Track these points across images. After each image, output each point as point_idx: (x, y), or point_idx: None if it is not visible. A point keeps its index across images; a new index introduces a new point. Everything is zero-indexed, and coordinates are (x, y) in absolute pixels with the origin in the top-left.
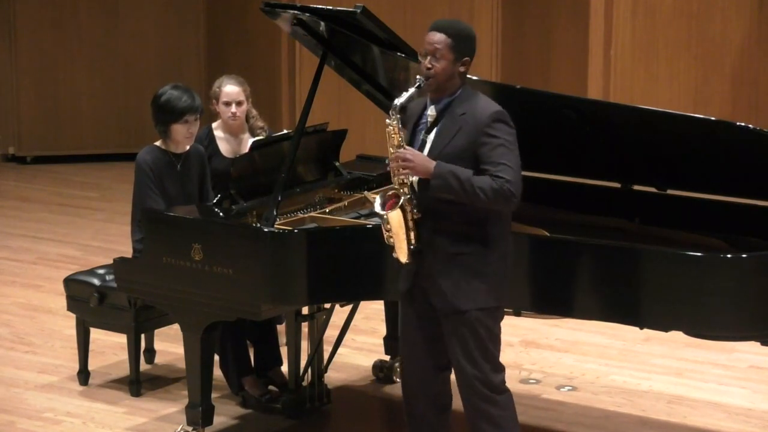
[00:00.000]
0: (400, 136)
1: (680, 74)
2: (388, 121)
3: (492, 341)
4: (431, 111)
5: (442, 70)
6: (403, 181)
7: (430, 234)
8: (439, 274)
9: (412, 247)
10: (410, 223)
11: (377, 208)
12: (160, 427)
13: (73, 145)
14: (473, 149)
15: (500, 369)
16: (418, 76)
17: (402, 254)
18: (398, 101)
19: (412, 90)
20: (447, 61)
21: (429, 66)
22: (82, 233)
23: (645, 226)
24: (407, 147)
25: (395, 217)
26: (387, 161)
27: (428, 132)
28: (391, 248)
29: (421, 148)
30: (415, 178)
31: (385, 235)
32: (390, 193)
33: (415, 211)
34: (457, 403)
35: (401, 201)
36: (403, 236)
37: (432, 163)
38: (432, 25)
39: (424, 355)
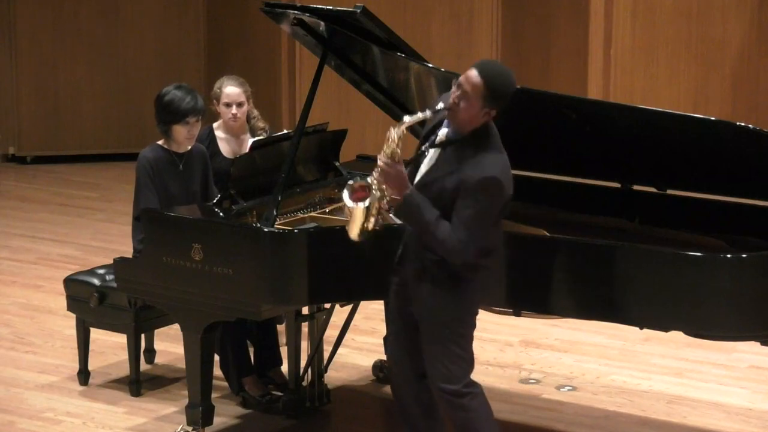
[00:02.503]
0: (397, 148)
1: (680, 74)
2: (393, 129)
3: (461, 348)
4: (443, 135)
5: (464, 112)
6: (381, 184)
7: (411, 238)
8: (416, 281)
9: (365, 231)
10: (372, 211)
11: (345, 196)
12: (160, 427)
13: (73, 145)
14: (453, 196)
15: (463, 373)
16: (441, 104)
17: (353, 233)
18: (408, 119)
19: (427, 112)
20: (473, 107)
21: (456, 101)
22: (82, 233)
23: (645, 226)
24: (399, 162)
25: (358, 210)
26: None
27: (431, 147)
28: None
29: (419, 158)
30: None
31: (344, 211)
32: (360, 184)
33: (389, 210)
34: None
35: (369, 200)
36: (360, 221)
37: (406, 189)
38: (477, 64)
39: (408, 361)
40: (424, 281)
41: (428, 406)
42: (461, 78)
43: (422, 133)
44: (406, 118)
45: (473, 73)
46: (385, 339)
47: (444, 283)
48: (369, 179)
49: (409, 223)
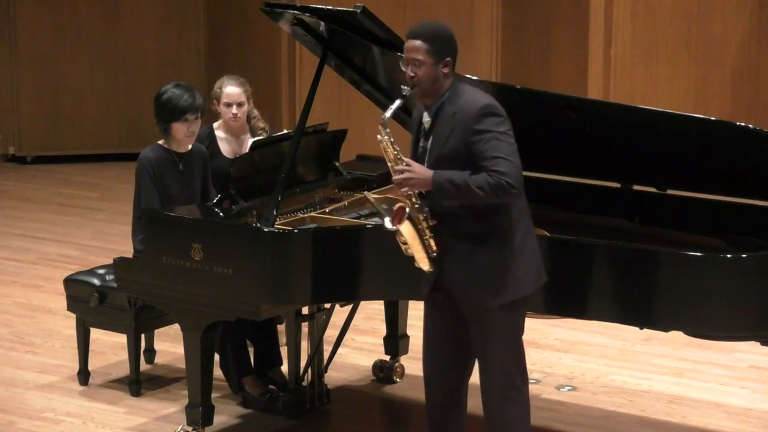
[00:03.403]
0: (394, 149)
1: (680, 74)
2: (379, 137)
3: (517, 337)
4: (426, 118)
5: (424, 76)
6: (407, 193)
7: (446, 237)
8: (460, 275)
9: (433, 254)
10: (425, 232)
11: (386, 224)
12: (160, 427)
13: (73, 145)
14: (466, 147)
15: (523, 367)
16: (402, 86)
17: (423, 263)
18: (385, 116)
19: (398, 102)
20: (428, 66)
21: (411, 74)
22: (82, 233)
23: (645, 226)
24: (405, 160)
25: (406, 229)
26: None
27: (426, 138)
28: (413, 259)
29: (422, 156)
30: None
31: (402, 248)
32: (397, 206)
33: (429, 218)
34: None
35: (407, 212)
36: (420, 246)
37: (429, 174)
38: (407, 33)
39: (444, 357)
40: (473, 274)
41: (459, 398)
42: (403, 55)
43: (412, 138)
44: (384, 116)
45: (408, 42)
46: (385, 339)
47: (494, 271)
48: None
49: (449, 199)
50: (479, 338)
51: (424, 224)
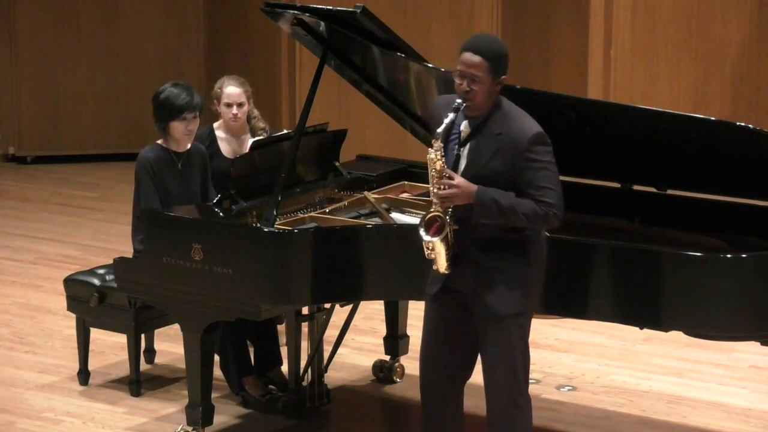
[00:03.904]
0: (442, 163)
1: (680, 74)
2: (430, 150)
3: (525, 346)
4: (464, 126)
5: (480, 93)
6: (447, 206)
7: (465, 241)
8: (477, 279)
9: (453, 258)
10: (451, 238)
11: (422, 233)
12: (160, 427)
13: (73, 145)
14: (512, 172)
15: (526, 374)
16: (457, 100)
17: (442, 267)
18: (440, 130)
19: (451, 116)
20: (486, 84)
21: (467, 89)
22: (82, 233)
23: (645, 226)
24: (450, 173)
25: (439, 243)
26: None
27: (462, 146)
28: (431, 261)
29: (456, 163)
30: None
31: (426, 252)
32: (431, 215)
33: (452, 223)
34: (468, 406)
35: (446, 228)
36: (444, 251)
37: (474, 189)
38: (467, 46)
39: (443, 357)
40: (489, 281)
41: (457, 410)
42: (460, 67)
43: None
44: (438, 131)
45: (468, 56)
46: (385, 339)
47: (509, 279)
48: (432, 211)
49: (492, 218)
50: (490, 344)
51: (449, 231)
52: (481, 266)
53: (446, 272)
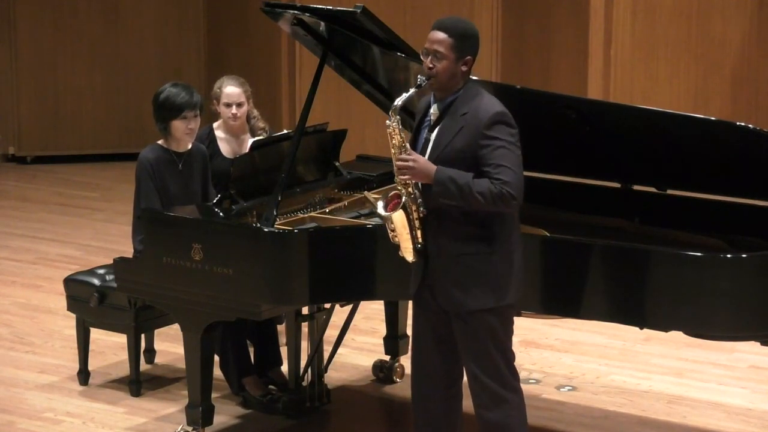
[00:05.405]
0: (400, 137)
1: (680, 74)
2: (388, 122)
3: (502, 342)
4: (434, 109)
5: (443, 70)
6: (406, 182)
7: (435, 234)
8: (445, 274)
9: (418, 246)
10: (415, 222)
11: (380, 209)
12: (160, 427)
13: (73, 145)
14: (473, 150)
15: (509, 369)
16: (419, 76)
17: (408, 253)
18: (398, 102)
19: (412, 90)
20: (448, 60)
21: (430, 66)
22: (82, 233)
23: (645, 226)
24: (410, 150)
25: (398, 217)
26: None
27: (431, 130)
28: (397, 247)
29: (424, 147)
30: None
31: (390, 235)
32: (392, 193)
33: (421, 209)
34: (468, 406)
35: (403, 201)
36: (408, 236)
37: (433, 169)
38: (434, 24)
39: (433, 356)
40: (457, 276)
41: (455, 417)
42: (426, 44)
43: (414, 126)
44: (396, 102)
45: (433, 32)
46: (385, 339)
47: (477, 274)
48: (394, 184)
49: (448, 198)
50: (461, 340)
51: (416, 215)
52: (451, 260)
53: (414, 261)
